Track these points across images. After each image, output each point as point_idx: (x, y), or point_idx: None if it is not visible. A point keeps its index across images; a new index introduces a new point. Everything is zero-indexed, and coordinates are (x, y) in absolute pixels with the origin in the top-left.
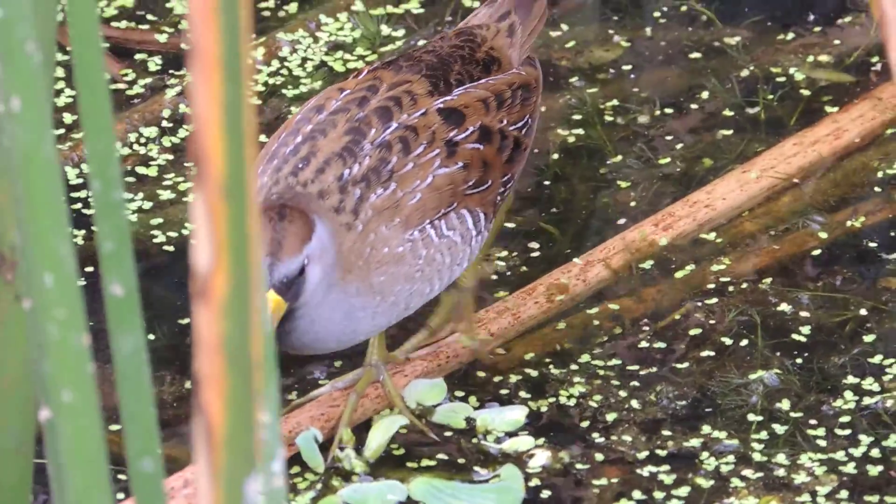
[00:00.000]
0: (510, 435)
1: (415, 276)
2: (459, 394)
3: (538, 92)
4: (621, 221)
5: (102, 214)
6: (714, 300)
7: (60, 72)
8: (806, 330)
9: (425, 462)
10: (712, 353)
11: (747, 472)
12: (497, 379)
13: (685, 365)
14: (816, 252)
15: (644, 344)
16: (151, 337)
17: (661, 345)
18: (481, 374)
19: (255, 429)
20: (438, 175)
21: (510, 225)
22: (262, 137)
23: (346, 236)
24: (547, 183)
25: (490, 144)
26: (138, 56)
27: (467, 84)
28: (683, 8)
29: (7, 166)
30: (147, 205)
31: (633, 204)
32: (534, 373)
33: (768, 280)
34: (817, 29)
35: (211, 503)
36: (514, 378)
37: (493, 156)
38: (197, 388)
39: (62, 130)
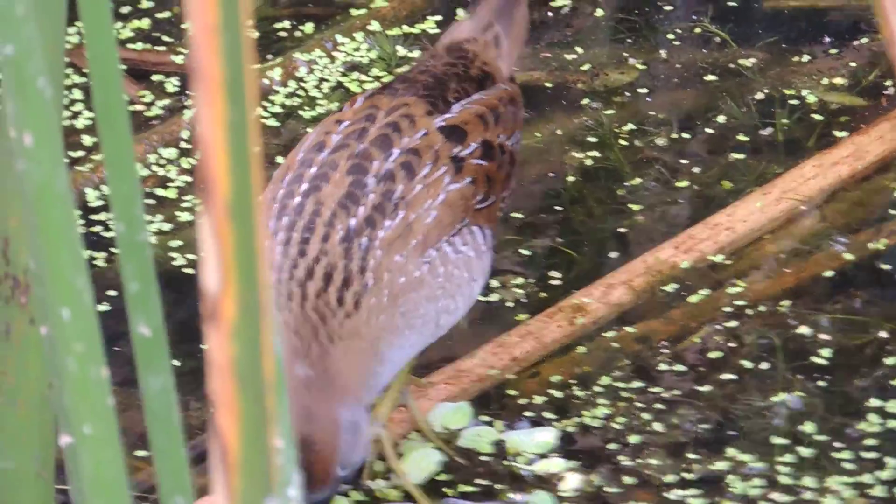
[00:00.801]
0: (541, 457)
1: (437, 295)
2: (485, 418)
3: (521, 107)
4: (640, 244)
5: (127, 255)
6: (734, 323)
7: (78, 94)
8: (826, 353)
9: (456, 487)
10: (733, 376)
11: (776, 496)
12: (522, 401)
13: (707, 388)
14: (834, 274)
15: (664, 367)
16: (174, 362)
17: (682, 367)
18: (507, 396)
19: (270, 450)
20: (451, 191)
21: (526, 252)
22: (279, 159)
23: (369, 336)
24: (560, 208)
25: (492, 160)
26: (155, 77)
27: (464, 101)
28: (697, 30)
29: (20, 191)
30: (166, 227)
31: (651, 227)
32: (558, 395)
33: (787, 303)
34: (833, 51)
35: None
36: (538, 400)
37: (494, 171)
38: (211, 412)
39: (82, 153)
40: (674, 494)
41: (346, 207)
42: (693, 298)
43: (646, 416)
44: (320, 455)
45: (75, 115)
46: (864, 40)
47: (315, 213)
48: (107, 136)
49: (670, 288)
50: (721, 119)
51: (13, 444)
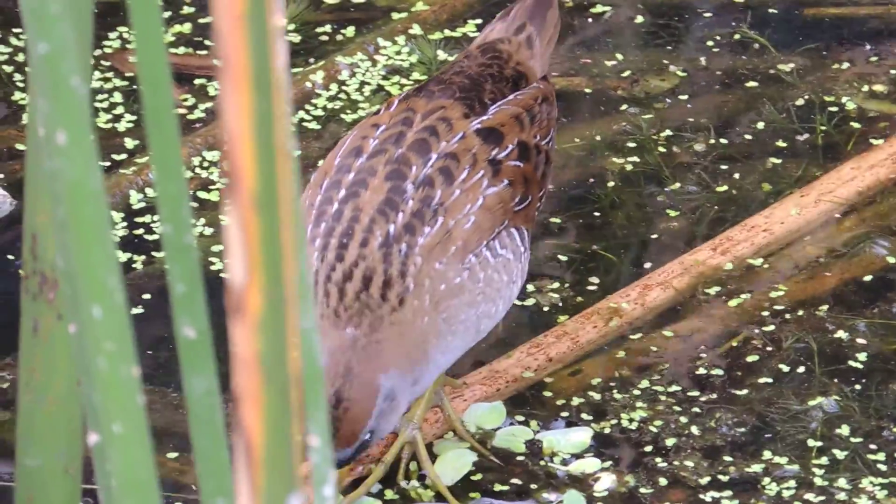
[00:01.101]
0: (576, 457)
1: (478, 300)
2: (519, 418)
3: (555, 106)
4: (678, 248)
5: (174, 257)
6: (771, 327)
7: (119, 97)
8: (863, 357)
9: (489, 486)
10: (770, 380)
11: (809, 496)
12: (559, 402)
13: (744, 392)
14: (872, 278)
15: (702, 370)
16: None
17: (719, 371)
18: (542, 396)
19: (295, 445)
20: (489, 195)
21: (563, 257)
22: (321, 163)
23: (414, 331)
24: (599, 213)
25: (528, 161)
26: (198, 81)
27: (499, 102)
28: (737, 36)
29: (49, 189)
30: (208, 231)
31: (690, 230)
32: (593, 396)
33: (825, 307)
34: (874, 59)
35: None
36: (575, 402)
37: (531, 172)
38: (235, 406)
39: (125, 155)
40: (708, 496)
41: (384, 214)
42: (731, 301)
43: (682, 419)
44: (351, 414)
45: (117, 118)
46: None
47: (353, 219)
48: (154, 137)
49: (707, 290)
50: (760, 125)
51: (41, 440)
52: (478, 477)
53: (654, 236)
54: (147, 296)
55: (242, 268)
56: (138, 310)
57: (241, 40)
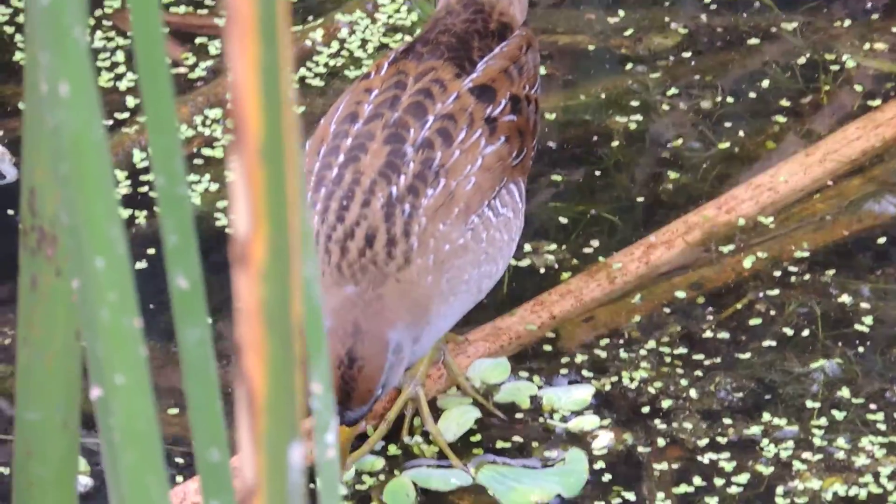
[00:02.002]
0: (576, 414)
1: (481, 260)
2: (523, 374)
3: (538, 51)
4: (682, 207)
5: (167, 209)
6: (776, 291)
7: (121, 56)
8: (868, 320)
9: (491, 443)
10: (773, 344)
11: (807, 456)
12: (561, 360)
13: (747, 356)
14: (880, 235)
15: (708, 333)
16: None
17: (724, 335)
18: (546, 353)
19: (297, 394)
20: (487, 154)
21: (563, 220)
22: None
23: (419, 291)
24: (598, 172)
25: (521, 114)
26: (199, 40)
27: (486, 57)
28: None
29: (51, 145)
30: (213, 186)
31: (694, 189)
32: (593, 355)
33: (831, 271)
34: (875, 17)
35: (254, 470)
36: (578, 359)
37: (525, 124)
38: (238, 355)
39: (126, 114)
40: (706, 458)
41: (386, 176)
42: (735, 260)
43: (683, 381)
44: (366, 372)
45: (119, 76)
46: None
47: (354, 181)
48: (147, 90)
49: (712, 248)
50: (765, 83)
51: (40, 395)
52: (479, 434)
53: (658, 196)
54: (151, 251)
55: (247, 218)
56: (142, 264)
57: None
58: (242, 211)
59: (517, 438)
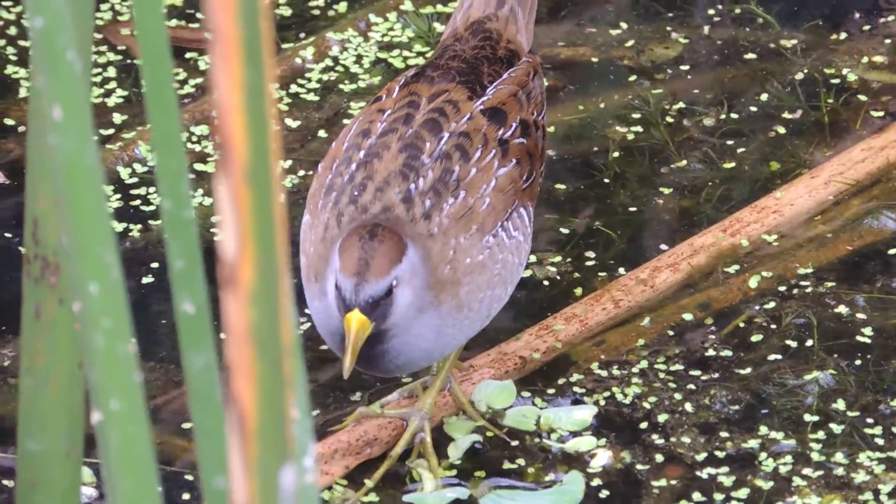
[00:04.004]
0: (574, 434)
1: (494, 282)
2: (525, 394)
3: (542, 78)
4: (685, 227)
5: (173, 233)
6: (772, 304)
7: (112, 72)
8: (868, 331)
9: (492, 465)
10: (772, 357)
11: (807, 471)
12: (561, 381)
13: (746, 371)
14: (878, 250)
15: (710, 351)
16: None
17: (727, 352)
18: (547, 373)
19: (288, 417)
20: (500, 176)
21: (564, 230)
22: (322, 133)
23: (437, 256)
24: (604, 182)
25: (530, 137)
26: (189, 55)
27: (496, 82)
28: (738, 10)
29: (50, 171)
30: (207, 201)
31: (697, 208)
32: (596, 375)
33: (829, 284)
34: (865, 28)
35: (246, 494)
36: (575, 377)
37: (534, 147)
38: (227, 378)
39: (112, 130)
40: (704, 473)
41: (404, 175)
42: (740, 280)
43: (677, 395)
44: (386, 245)
45: (108, 93)
46: (892, 17)
47: (367, 177)
48: (156, 113)
49: (717, 271)
50: (765, 97)
51: (44, 424)
52: (474, 453)
53: (657, 213)
54: (156, 264)
55: (234, 240)
56: (148, 279)
57: (232, 12)
58: (230, 233)
59: (518, 460)
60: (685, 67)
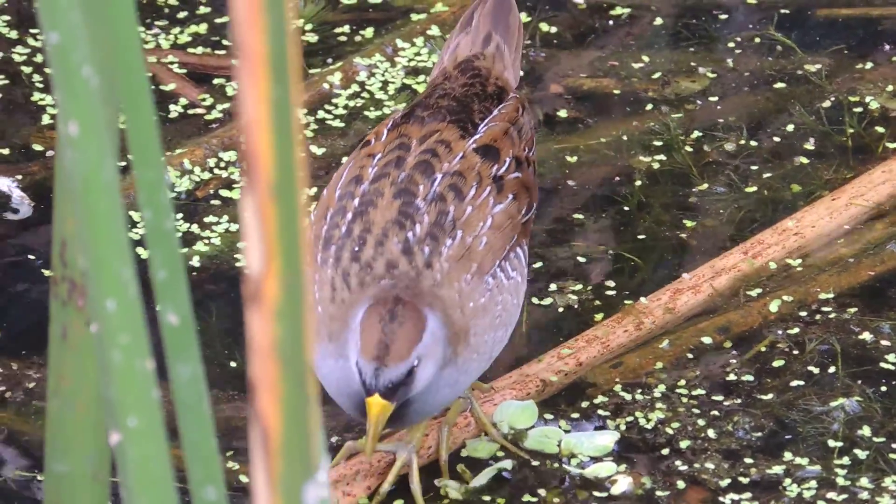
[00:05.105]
0: (595, 460)
1: (496, 324)
2: (549, 416)
3: (531, 114)
4: (707, 251)
5: (155, 243)
6: (796, 329)
7: None
8: (892, 357)
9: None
10: (795, 384)
11: (832, 496)
12: (585, 404)
13: (769, 397)
14: None
15: (732, 376)
16: (234, 364)
17: (748, 377)
18: (570, 395)
19: (312, 433)
20: (496, 213)
21: (584, 260)
22: (345, 159)
23: (450, 304)
24: (621, 216)
25: (525, 171)
26: (216, 81)
27: (486, 119)
28: (757, 39)
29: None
30: (233, 227)
31: (719, 231)
32: (617, 399)
33: (852, 309)
34: (895, 59)
35: None
36: (599, 400)
37: (529, 180)
38: (252, 395)
39: None
40: (728, 499)
41: (400, 224)
42: (761, 304)
43: (701, 421)
44: (406, 328)
45: None
46: None
47: (365, 230)
48: (132, 124)
49: (739, 294)
50: (790, 127)
51: (70, 447)
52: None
53: (681, 237)
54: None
55: (260, 256)
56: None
57: (259, 27)
58: (255, 248)
59: (536, 486)
60: (713, 98)
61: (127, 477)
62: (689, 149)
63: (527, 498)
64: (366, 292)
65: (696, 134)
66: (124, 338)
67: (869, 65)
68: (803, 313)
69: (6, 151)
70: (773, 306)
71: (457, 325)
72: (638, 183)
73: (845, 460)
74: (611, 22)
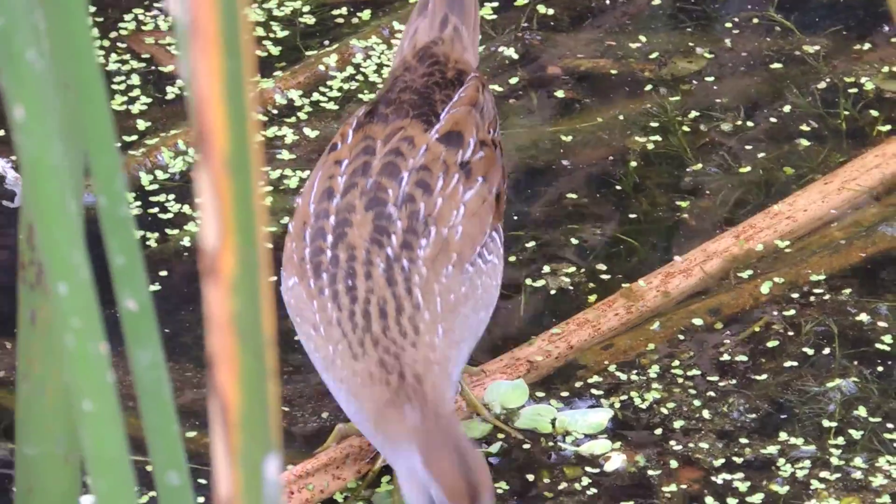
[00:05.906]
0: (589, 437)
1: (479, 307)
2: (540, 394)
3: (489, 90)
4: (701, 233)
5: (111, 230)
6: (792, 311)
7: (136, 79)
8: (888, 339)
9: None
10: (790, 364)
11: (825, 475)
12: (577, 384)
13: (763, 377)
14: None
15: (725, 356)
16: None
17: (742, 357)
18: (561, 376)
19: (271, 407)
20: (468, 200)
21: (578, 242)
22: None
23: (433, 369)
24: (617, 197)
25: (489, 150)
26: None
27: (447, 105)
28: (755, 20)
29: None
30: None
31: (713, 213)
32: (612, 379)
33: (847, 290)
34: (894, 39)
35: (230, 485)
36: (592, 380)
37: (495, 159)
38: (210, 369)
39: (135, 136)
40: (720, 478)
41: (377, 242)
42: (752, 286)
43: (696, 402)
44: (480, 471)
45: (132, 100)
46: None
47: (350, 258)
48: (86, 110)
49: (730, 277)
50: (787, 108)
51: (40, 430)
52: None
53: (676, 219)
54: (164, 272)
55: (215, 230)
56: (155, 287)
57: (211, 4)
58: (210, 223)
59: (530, 464)
60: (710, 79)
61: (86, 460)
62: (686, 129)
63: (520, 475)
64: (374, 382)
65: (693, 114)
66: (76, 321)
67: (867, 46)
68: (795, 295)
69: (2, 133)
70: (765, 288)
71: (443, 360)
72: (633, 164)
73: (840, 440)
74: (608, 2)
